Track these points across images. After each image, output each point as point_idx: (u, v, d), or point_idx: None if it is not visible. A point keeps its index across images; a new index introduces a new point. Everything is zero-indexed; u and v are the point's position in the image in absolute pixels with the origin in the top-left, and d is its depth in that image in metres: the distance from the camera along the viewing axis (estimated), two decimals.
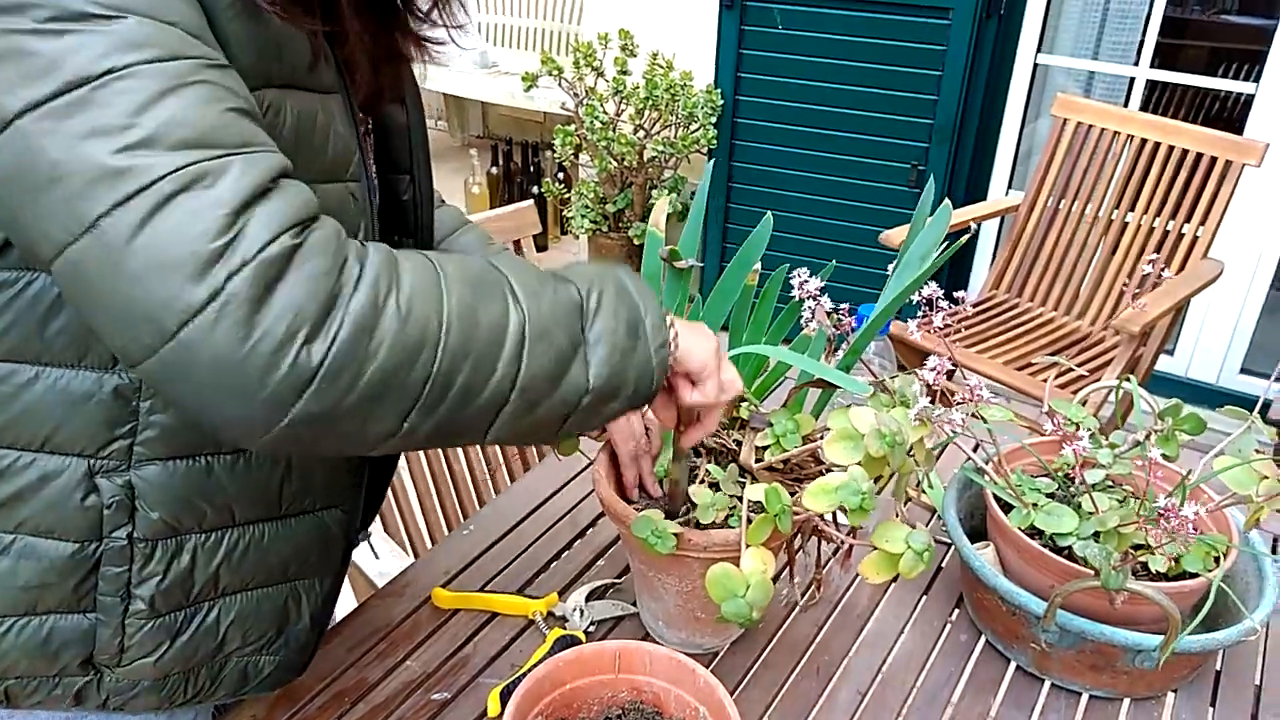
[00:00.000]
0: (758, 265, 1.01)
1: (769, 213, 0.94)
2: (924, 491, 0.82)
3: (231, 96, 0.54)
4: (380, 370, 0.54)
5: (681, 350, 0.71)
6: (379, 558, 1.06)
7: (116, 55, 0.50)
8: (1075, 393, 2.12)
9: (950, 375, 2.02)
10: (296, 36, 0.62)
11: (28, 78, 0.49)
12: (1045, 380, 2.06)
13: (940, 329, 0.83)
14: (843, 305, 0.94)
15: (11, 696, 0.72)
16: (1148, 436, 0.93)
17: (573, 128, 3.07)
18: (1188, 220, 2.28)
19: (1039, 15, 2.75)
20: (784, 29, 2.81)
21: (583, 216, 3.17)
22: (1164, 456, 0.91)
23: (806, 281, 0.93)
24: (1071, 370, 2.08)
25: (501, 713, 0.83)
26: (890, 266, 0.93)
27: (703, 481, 0.87)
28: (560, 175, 3.61)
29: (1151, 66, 2.72)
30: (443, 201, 1.02)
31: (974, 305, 2.47)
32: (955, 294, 0.93)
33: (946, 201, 0.86)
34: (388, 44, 0.74)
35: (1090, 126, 2.41)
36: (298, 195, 0.54)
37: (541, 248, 3.76)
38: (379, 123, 0.84)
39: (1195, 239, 2.25)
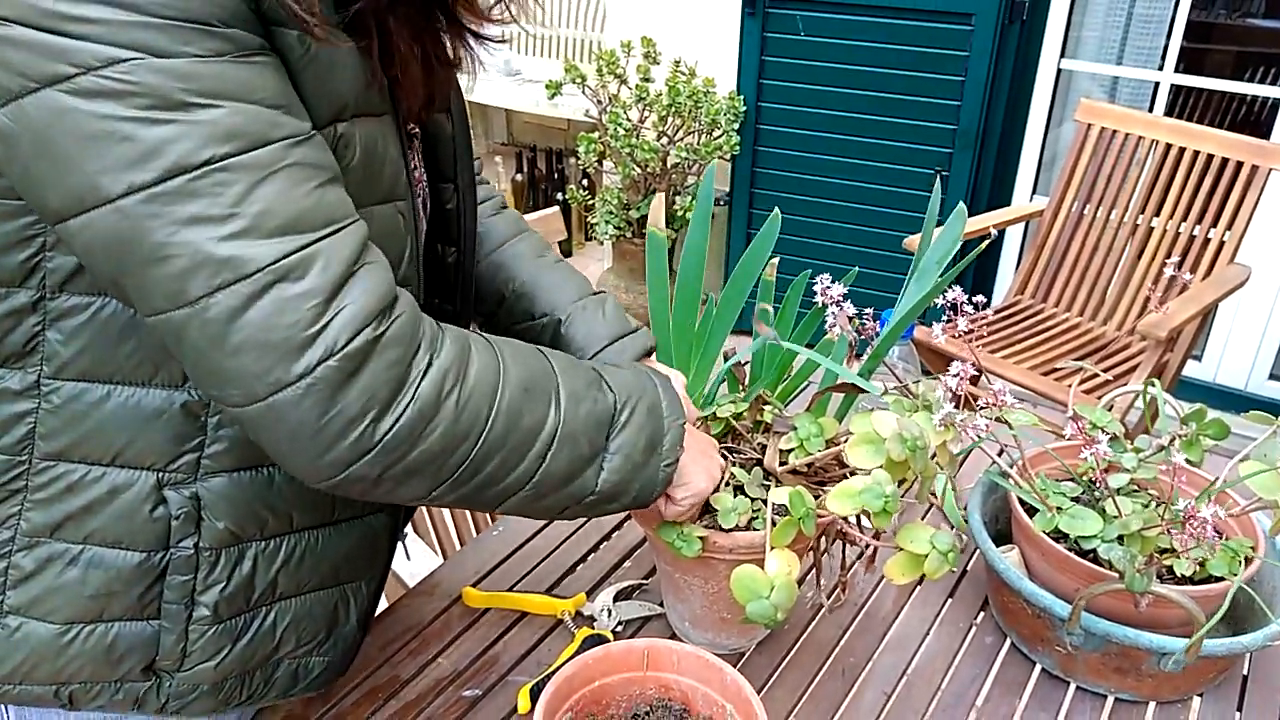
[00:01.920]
0: (775, 260, 1.02)
1: (776, 209, 0.94)
2: (941, 503, 0.83)
3: (315, 171, 0.59)
4: (427, 452, 0.62)
5: (677, 478, 0.79)
6: (410, 559, 1.08)
7: (214, 146, 0.54)
8: (1101, 398, 2.12)
9: (975, 380, 2.03)
10: (357, 65, 0.65)
11: (131, 162, 0.53)
12: (1070, 385, 2.06)
13: (964, 334, 0.84)
14: (866, 310, 0.95)
15: (74, 700, 0.74)
16: (1172, 441, 0.93)
17: (596, 135, 3.09)
18: (1214, 225, 2.27)
19: (1062, 20, 2.74)
20: (806, 35, 2.82)
21: (607, 222, 3.19)
22: (1188, 461, 0.91)
23: (829, 287, 0.94)
24: (1096, 376, 2.08)
25: (531, 709, 0.84)
26: (909, 271, 0.94)
27: (727, 485, 0.88)
28: (584, 182, 3.63)
29: (1176, 71, 2.71)
30: (503, 206, 1.04)
31: (999, 310, 2.47)
32: (975, 299, 0.94)
33: (961, 206, 0.87)
34: (435, 53, 0.76)
35: (1115, 131, 2.40)
36: (378, 281, 0.60)
37: (566, 253, 3.79)
38: (426, 132, 0.86)
39: (1222, 244, 2.24)
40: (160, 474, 0.70)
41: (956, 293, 0.88)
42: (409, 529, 1.31)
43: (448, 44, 0.76)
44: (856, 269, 0.96)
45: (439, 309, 0.92)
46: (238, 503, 0.72)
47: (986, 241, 0.90)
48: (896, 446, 0.73)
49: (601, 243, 3.42)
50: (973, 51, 2.66)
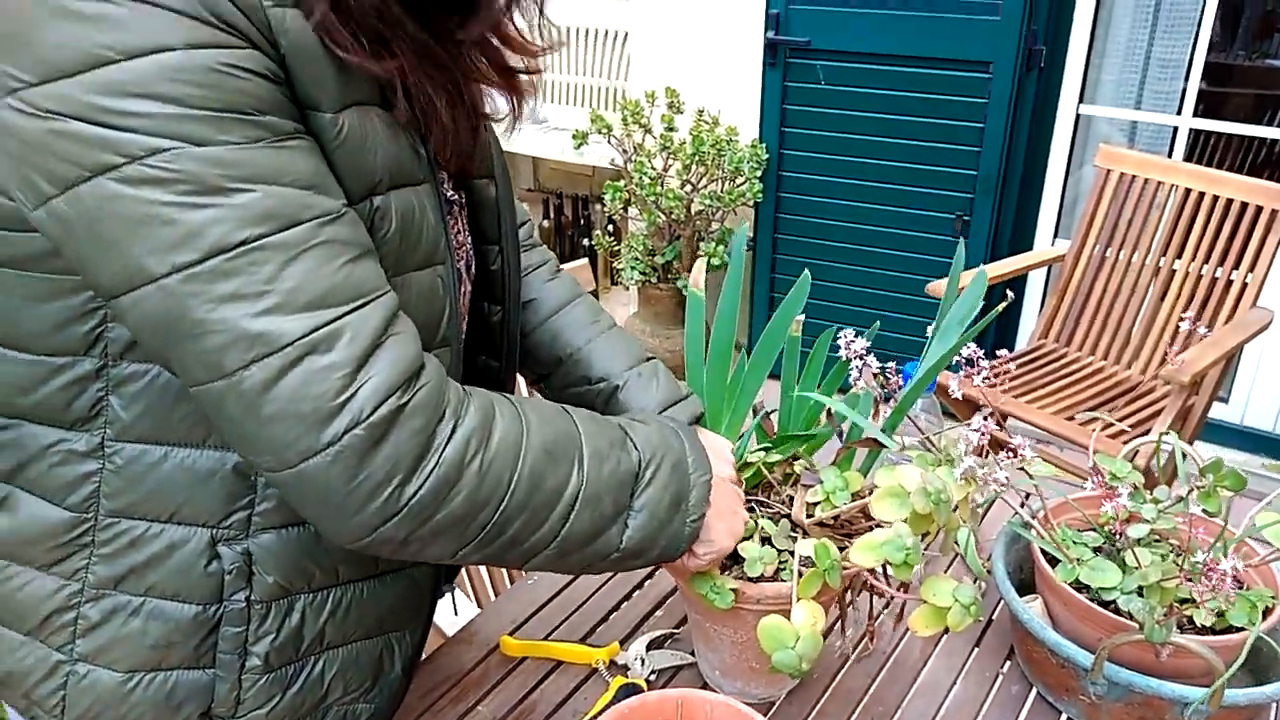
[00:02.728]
0: (800, 316, 1.05)
1: (807, 270, 0.98)
2: (964, 556, 0.86)
3: (344, 248, 0.63)
4: (452, 515, 0.66)
5: (702, 533, 0.82)
6: (458, 614, 1.11)
7: (249, 228, 0.58)
8: (1126, 443, 2.13)
9: (1001, 424, 2.05)
10: (390, 139, 0.69)
11: (173, 244, 0.57)
12: (1093, 432, 2.07)
13: (984, 384, 0.88)
14: (889, 364, 0.98)
15: None
16: (1190, 492, 0.95)
17: (622, 183, 3.16)
18: (1236, 267, 2.28)
19: (1079, 66, 2.79)
20: (826, 84, 2.88)
21: (632, 268, 3.24)
22: (1205, 512, 0.93)
23: (853, 342, 0.98)
24: (1120, 424, 2.09)
25: None
26: (930, 329, 0.98)
27: (753, 536, 0.91)
28: (610, 227, 3.70)
29: (1195, 114, 2.74)
30: (558, 271, 1.08)
31: (1022, 354, 2.49)
32: (999, 351, 0.97)
33: (983, 269, 0.90)
34: (466, 108, 0.78)
35: (1134, 176, 2.43)
36: (404, 351, 0.64)
37: (590, 291, 3.84)
38: (470, 197, 0.90)
39: (1244, 286, 2.25)
40: (214, 530, 0.73)
41: (972, 348, 0.92)
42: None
43: (478, 97, 0.79)
44: (879, 323, 1.00)
45: (484, 366, 0.96)
46: (286, 557, 0.75)
47: (1004, 304, 0.93)
48: (920, 500, 0.76)
49: (627, 288, 3.47)
50: (991, 99, 2.71)
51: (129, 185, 0.57)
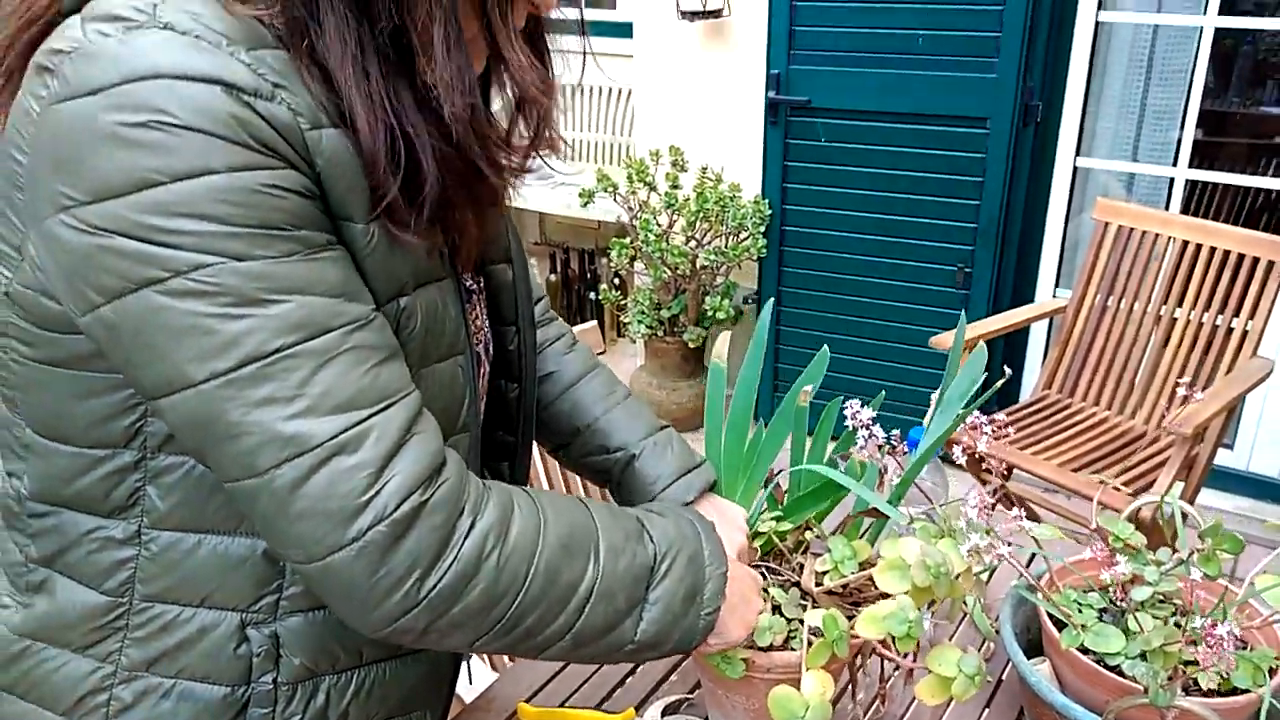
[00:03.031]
0: (809, 388, 1.08)
1: (826, 348, 1.02)
2: (972, 617, 0.88)
3: (372, 352, 0.66)
4: (469, 608, 0.68)
5: (719, 621, 0.84)
6: (472, 682, 1.13)
7: (283, 336, 0.62)
8: (1134, 493, 2.15)
9: (1008, 475, 2.08)
10: (417, 244, 0.73)
11: (212, 352, 0.61)
12: (1100, 486, 2.09)
13: (989, 446, 0.90)
14: (894, 431, 1.01)
15: None
16: (1190, 555, 0.97)
17: (628, 240, 3.21)
18: (1236, 314, 2.31)
19: (1076, 120, 2.84)
20: (827, 141, 2.94)
21: (639, 322, 3.28)
22: (1205, 575, 0.95)
23: (859, 412, 1.01)
24: (1128, 470, 2.11)
25: None
26: (934, 396, 1.01)
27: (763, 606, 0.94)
28: (616, 281, 3.75)
29: (1191, 164, 2.79)
30: (575, 343, 1.12)
31: (1026, 405, 2.51)
32: (996, 416, 1.00)
33: (982, 345, 0.94)
34: (490, 214, 0.83)
35: (1132, 229, 2.47)
36: (426, 449, 0.67)
37: (599, 352, 3.88)
38: (488, 280, 0.94)
39: (1245, 334, 2.28)
40: (243, 614, 0.76)
41: (975, 417, 0.95)
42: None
43: (500, 201, 0.82)
44: (884, 393, 1.03)
45: (500, 441, 0.99)
46: (312, 640, 0.78)
47: (1002, 381, 0.97)
48: (921, 574, 0.78)
49: (634, 341, 3.51)
50: (990, 153, 2.76)
51: (173, 297, 0.61)
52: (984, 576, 0.94)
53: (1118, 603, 0.99)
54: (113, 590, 0.75)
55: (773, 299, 1.15)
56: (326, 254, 0.65)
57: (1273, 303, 2.25)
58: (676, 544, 0.81)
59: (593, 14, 4.55)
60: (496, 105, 0.79)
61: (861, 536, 1.00)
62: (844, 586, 0.93)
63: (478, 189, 0.75)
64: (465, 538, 0.67)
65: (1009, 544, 0.86)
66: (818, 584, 0.93)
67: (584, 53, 0.80)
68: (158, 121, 0.59)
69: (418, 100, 0.68)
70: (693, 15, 3.02)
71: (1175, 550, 1.03)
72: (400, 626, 0.67)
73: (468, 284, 0.88)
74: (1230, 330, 2.31)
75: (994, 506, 0.88)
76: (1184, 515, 1.06)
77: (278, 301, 0.62)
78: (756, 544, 0.98)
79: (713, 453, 1.07)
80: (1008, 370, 0.99)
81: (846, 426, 1.01)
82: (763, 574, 0.98)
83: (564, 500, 0.78)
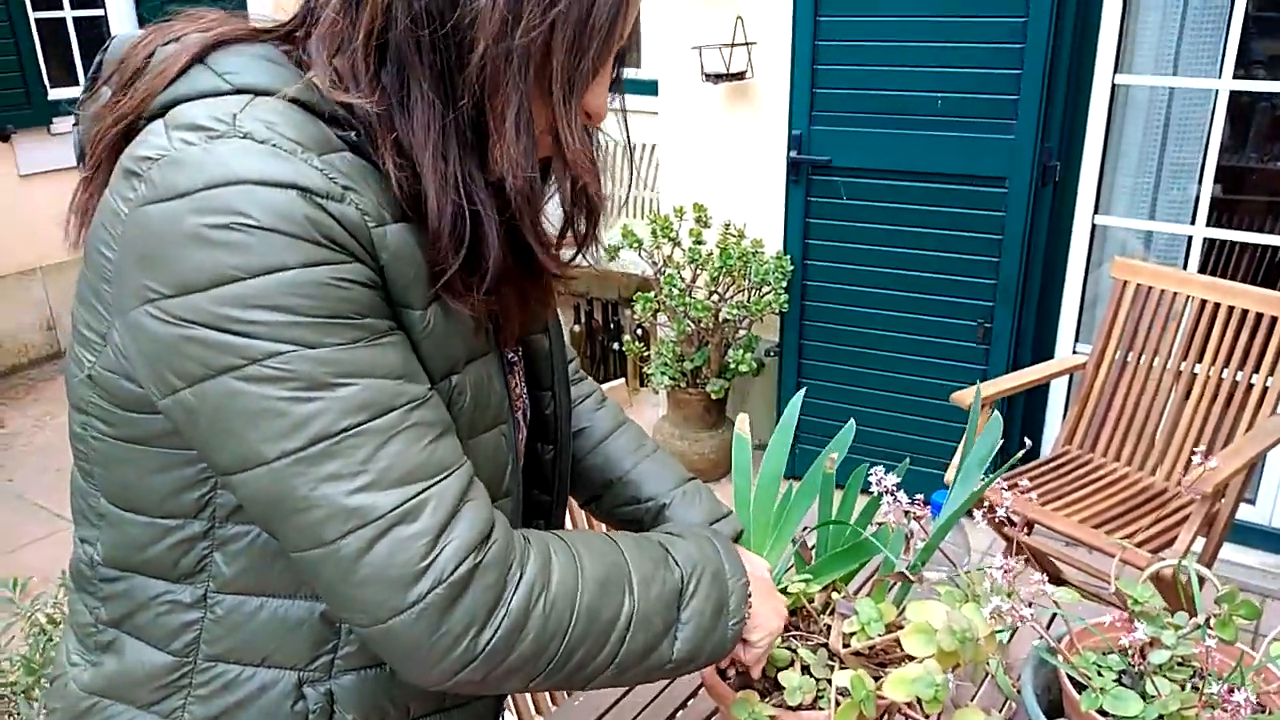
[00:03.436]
0: (835, 454, 1.13)
1: (852, 420, 1.07)
2: (995, 678, 0.91)
3: (429, 429, 0.71)
4: (523, 655, 0.73)
5: (750, 624, 0.89)
6: None
7: (350, 417, 0.67)
8: (1155, 550, 2.16)
9: (1030, 530, 2.11)
10: (468, 324, 0.79)
11: (284, 433, 0.67)
12: (1122, 546, 2.11)
13: (1005, 515, 0.94)
14: (918, 496, 1.05)
15: None
16: (1207, 621, 1.00)
17: (652, 293, 3.27)
18: (1256, 370, 2.34)
19: (1094, 179, 2.89)
20: (848, 199, 3.00)
21: (662, 373, 3.33)
22: (1222, 640, 0.98)
23: (884, 478, 1.05)
24: (1145, 531, 2.13)
25: None
26: (950, 470, 1.05)
27: (792, 664, 0.97)
28: (639, 332, 3.81)
29: (1210, 220, 2.83)
30: (604, 400, 1.17)
31: (1047, 461, 2.54)
32: (1019, 482, 1.04)
33: (997, 414, 0.98)
34: (535, 294, 0.88)
35: (1150, 287, 2.51)
36: (479, 515, 0.72)
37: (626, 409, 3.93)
38: (526, 349, 1.00)
39: (1265, 391, 2.30)
40: (301, 673, 0.81)
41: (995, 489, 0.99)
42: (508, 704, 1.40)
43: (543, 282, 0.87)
44: (908, 460, 1.07)
45: (536, 500, 1.04)
46: (364, 696, 0.82)
47: (1022, 451, 1.01)
48: (947, 639, 0.82)
49: (656, 391, 3.56)
50: (1009, 212, 2.81)
51: (249, 383, 0.66)
52: (1004, 638, 0.97)
53: (1136, 666, 1.02)
54: (178, 651, 0.80)
55: (802, 390, 1.20)
56: (388, 339, 0.71)
57: None
58: (700, 564, 0.86)
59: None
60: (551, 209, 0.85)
61: (888, 598, 1.04)
62: (871, 648, 0.96)
63: (530, 267, 0.81)
64: (515, 591, 0.72)
65: (1030, 604, 0.90)
66: (845, 645, 0.96)
67: (621, 110, 0.86)
68: (238, 224, 0.65)
69: (486, 177, 0.74)
70: (717, 78, 3.11)
71: (1192, 614, 1.06)
72: (460, 679, 0.71)
73: (509, 356, 0.93)
74: (1250, 387, 2.34)
75: (1018, 570, 0.92)
76: (1200, 580, 1.09)
77: (344, 385, 0.67)
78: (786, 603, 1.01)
79: (743, 514, 1.11)
80: (1028, 441, 1.03)
81: (872, 490, 1.05)
82: (792, 636, 1.02)
83: (594, 539, 0.82)
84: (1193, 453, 1.34)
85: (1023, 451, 1.00)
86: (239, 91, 0.72)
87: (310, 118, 0.72)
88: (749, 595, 0.88)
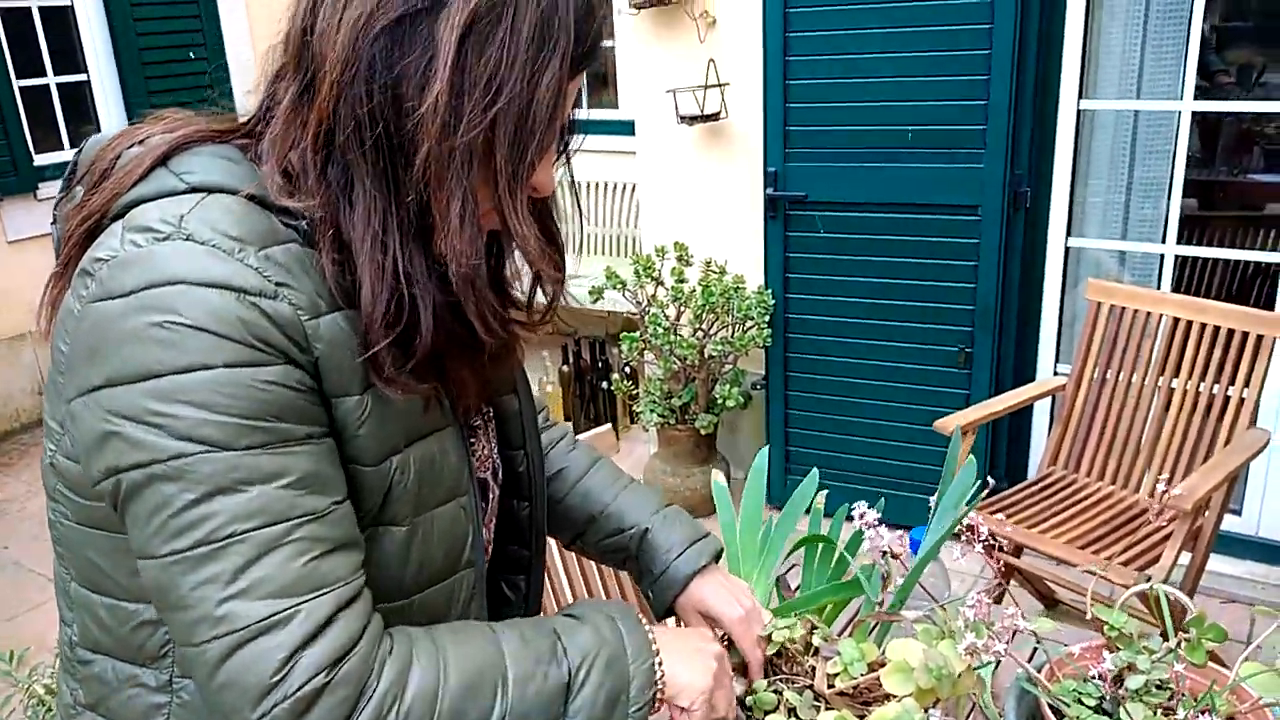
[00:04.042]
0: (824, 492, 1.17)
1: (815, 470, 1.11)
2: (981, 706, 0.94)
3: (316, 544, 0.72)
4: None
5: (670, 690, 0.89)
6: None
7: (237, 524, 0.70)
8: (1141, 568, 2.19)
9: (1018, 554, 2.13)
10: (411, 402, 0.81)
11: (174, 532, 0.70)
12: (1109, 560, 2.14)
13: (997, 527, 0.97)
14: (898, 534, 1.08)
15: None
16: (1178, 645, 1.04)
17: (637, 333, 3.32)
18: (1231, 383, 2.38)
19: (1064, 203, 2.95)
20: (825, 233, 3.06)
21: (651, 410, 3.37)
22: (1193, 663, 1.02)
23: (865, 513, 1.09)
24: (1130, 549, 2.16)
25: None
26: (932, 500, 1.09)
27: (779, 707, 1.00)
28: (627, 370, 3.85)
29: (1181, 237, 2.89)
30: (575, 444, 1.20)
31: (1032, 483, 2.57)
32: (994, 518, 1.07)
33: (971, 458, 1.02)
34: (492, 366, 0.90)
35: (1124, 308, 2.56)
36: (342, 631, 0.72)
37: (614, 453, 3.96)
38: (496, 410, 1.03)
39: (1241, 403, 2.34)
40: None
41: (971, 518, 1.02)
42: None
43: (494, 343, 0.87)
44: (883, 500, 1.10)
45: (515, 555, 1.07)
46: None
47: (985, 491, 1.04)
48: (924, 676, 0.85)
49: (646, 429, 3.59)
50: (983, 239, 2.87)
51: (155, 479, 0.70)
52: (987, 671, 1.00)
53: (1111, 694, 1.05)
54: None
55: (767, 448, 1.25)
56: (301, 447, 0.73)
57: (1265, 374, 2.33)
58: (594, 651, 0.84)
59: (598, 113, 4.75)
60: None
61: (870, 637, 1.07)
62: (854, 687, 0.99)
63: (475, 346, 0.83)
64: (366, 706, 0.72)
65: (1014, 632, 0.92)
66: (830, 686, 0.99)
67: (575, 150, 0.89)
68: (170, 322, 0.69)
69: (429, 265, 0.77)
70: (691, 119, 3.17)
71: (1165, 638, 1.09)
72: None
73: (474, 422, 0.96)
74: (1228, 400, 2.38)
75: (998, 598, 0.95)
76: (1172, 598, 1.12)
77: (241, 491, 0.70)
78: (769, 651, 1.04)
79: (729, 545, 1.16)
80: (991, 481, 1.06)
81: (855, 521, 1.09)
82: (782, 679, 1.05)
83: (474, 637, 0.81)
84: (1158, 480, 1.38)
85: (985, 490, 1.03)
86: (194, 190, 0.76)
87: (262, 212, 0.76)
88: (657, 674, 0.87)
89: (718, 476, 1.15)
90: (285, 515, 0.71)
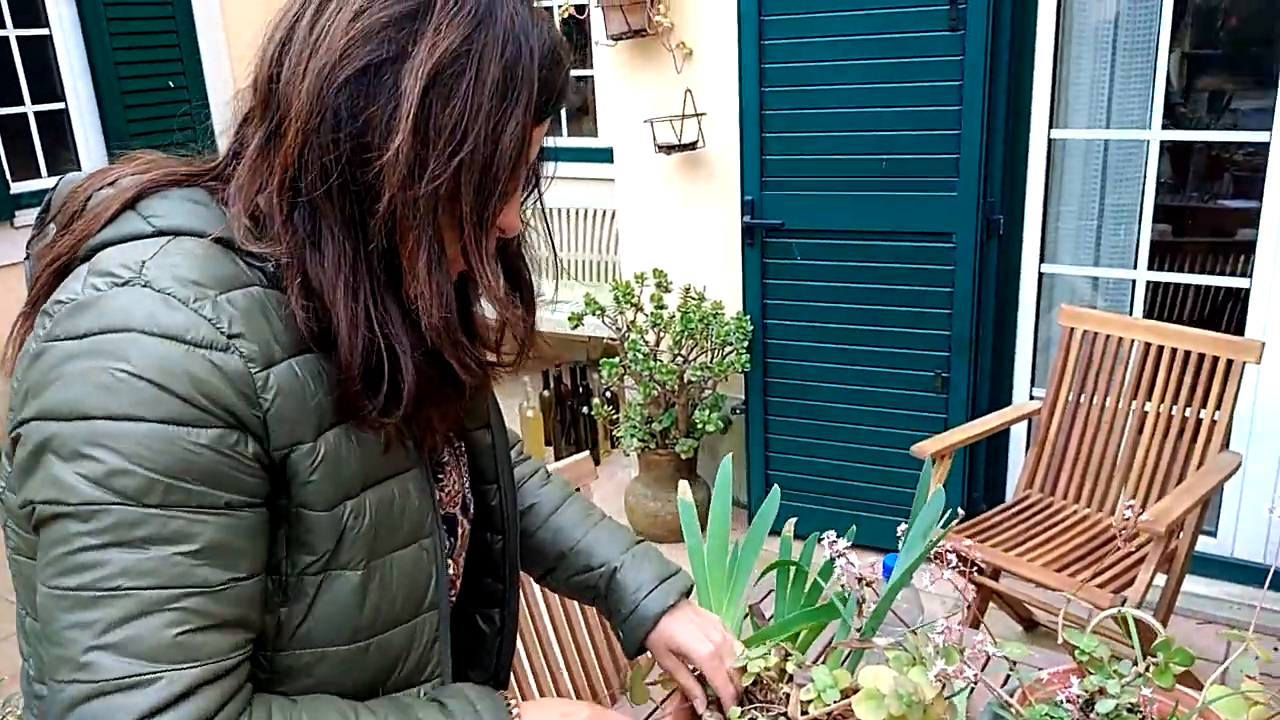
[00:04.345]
0: (793, 520, 1.18)
1: (776, 488, 1.12)
2: None
3: (197, 618, 0.72)
4: None
5: None
6: None
7: (124, 579, 0.70)
8: (1116, 590, 2.21)
9: (997, 576, 2.14)
10: (369, 445, 0.81)
11: (65, 569, 0.70)
12: (1085, 582, 2.16)
13: (957, 571, 0.99)
14: (870, 563, 1.10)
15: None
16: (1147, 669, 1.05)
17: (617, 359, 3.33)
18: (1204, 406, 2.41)
19: (1037, 230, 3.00)
20: (802, 260, 3.09)
21: (631, 435, 3.37)
22: (1159, 687, 1.03)
23: (835, 542, 1.10)
24: (1110, 569, 2.18)
25: None
26: (900, 530, 1.10)
27: None
28: (608, 394, 3.86)
29: (1153, 263, 2.93)
30: (548, 479, 1.21)
31: (1009, 506, 2.59)
32: (964, 556, 1.09)
33: (940, 488, 1.03)
34: (461, 404, 0.89)
35: (1097, 333, 2.60)
36: (200, 705, 0.72)
37: (595, 462, 3.95)
38: (468, 443, 1.03)
39: (1213, 425, 2.38)
40: None
41: (945, 546, 1.04)
42: None
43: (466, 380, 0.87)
44: (855, 528, 1.12)
45: (489, 589, 1.08)
46: None
47: (955, 520, 1.06)
48: (894, 704, 0.86)
49: (627, 454, 3.60)
50: (957, 266, 2.90)
51: (62, 516, 0.70)
52: (961, 699, 1.01)
53: (1090, 709, 1.06)
54: None
55: (729, 456, 1.27)
56: (213, 517, 0.73)
57: (1234, 398, 2.36)
58: None
59: (577, 141, 4.79)
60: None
61: (843, 664, 1.08)
62: (828, 714, 1.00)
63: (448, 390, 0.84)
64: None
65: (986, 659, 0.94)
66: (803, 713, 1.00)
67: (546, 184, 0.90)
68: (116, 369, 0.70)
69: (403, 314, 0.78)
70: (669, 149, 3.21)
71: (1135, 663, 1.10)
72: None
73: (442, 458, 0.96)
74: (1199, 421, 2.41)
75: (975, 623, 0.96)
76: (1141, 622, 1.14)
77: (138, 548, 0.70)
78: (744, 681, 1.05)
79: (698, 571, 1.16)
80: (960, 511, 1.08)
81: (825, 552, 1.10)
82: (752, 708, 1.05)
83: (329, 715, 0.81)
84: (1128, 506, 1.40)
85: (956, 521, 1.05)
86: (161, 234, 0.76)
87: (226, 254, 0.76)
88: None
89: (684, 493, 1.16)
90: (176, 582, 0.71)
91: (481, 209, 0.76)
